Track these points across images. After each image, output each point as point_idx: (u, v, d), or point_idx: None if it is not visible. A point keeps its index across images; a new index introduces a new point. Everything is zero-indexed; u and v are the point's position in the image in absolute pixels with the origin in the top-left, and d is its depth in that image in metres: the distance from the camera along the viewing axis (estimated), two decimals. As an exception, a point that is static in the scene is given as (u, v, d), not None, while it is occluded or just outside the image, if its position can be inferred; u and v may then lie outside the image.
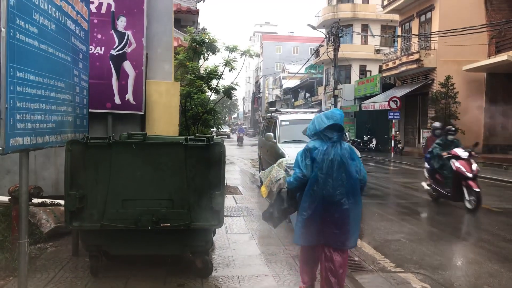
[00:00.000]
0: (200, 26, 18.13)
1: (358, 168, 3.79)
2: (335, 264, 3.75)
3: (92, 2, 6.04)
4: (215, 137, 4.42)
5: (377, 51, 34.31)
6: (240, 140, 38.33)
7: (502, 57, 19.89)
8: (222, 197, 4.14)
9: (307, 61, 38.77)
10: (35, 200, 5.33)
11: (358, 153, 4.84)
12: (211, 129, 12.74)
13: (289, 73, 56.02)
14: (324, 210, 3.67)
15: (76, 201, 3.94)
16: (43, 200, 5.67)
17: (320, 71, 43.40)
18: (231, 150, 27.99)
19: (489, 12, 23.06)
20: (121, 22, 6.28)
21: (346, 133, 11.29)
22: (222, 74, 10.62)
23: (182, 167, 4.08)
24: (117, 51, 6.30)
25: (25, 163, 3.47)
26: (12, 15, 3.03)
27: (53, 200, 5.82)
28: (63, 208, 4.72)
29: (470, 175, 8.44)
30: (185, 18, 14.80)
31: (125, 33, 6.31)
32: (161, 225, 4.03)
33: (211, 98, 11.64)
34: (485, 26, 21.23)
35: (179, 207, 4.08)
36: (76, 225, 4.04)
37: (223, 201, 4.15)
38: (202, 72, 10.62)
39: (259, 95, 77.19)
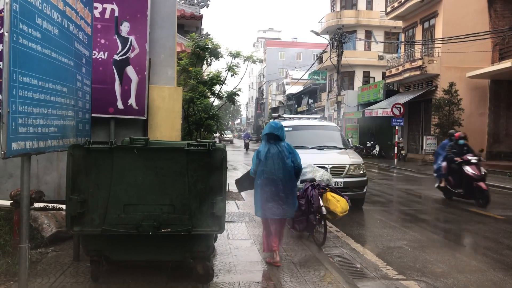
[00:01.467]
0: (204, 32, 18.19)
1: (294, 159, 5.45)
2: (277, 227, 5.42)
3: (96, 7, 6.07)
4: (217, 142, 4.42)
5: (381, 58, 34.34)
6: (246, 146, 35.93)
7: (505, 64, 19.85)
8: (224, 203, 4.12)
9: (310, 67, 38.87)
10: (36, 205, 5.33)
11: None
12: (214, 135, 12.74)
13: (292, 79, 56.15)
14: (270, 184, 5.29)
15: (77, 205, 3.93)
16: (45, 204, 5.67)
17: (324, 77, 43.45)
18: (234, 155, 27.99)
19: (493, 19, 23.05)
20: (125, 27, 6.31)
21: (349, 139, 11.25)
22: (225, 80, 10.64)
23: (184, 173, 4.07)
24: (120, 56, 6.32)
25: (27, 167, 3.47)
26: (16, 19, 3.05)
27: (55, 205, 5.82)
28: (64, 213, 4.72)
29: (479, 177, 10.13)
30: (188, 24, 14.86)
31: (128, 38, 6.33)
32: (162, 230, 4.02)
33: (214, 104, 11.66)
34: (488, 33, 21.22)
35: (180, 213, 4.06)
36: (77, 229, 4.03)
37: (224, 206, 4.13)
38: (205, 77, 10.64)
39: (262, 101, 77.31)
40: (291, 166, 5.38)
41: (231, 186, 11.31)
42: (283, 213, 5.35)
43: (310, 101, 48.35)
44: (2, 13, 3.14)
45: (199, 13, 15.07)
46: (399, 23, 30.00)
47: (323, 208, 6.06)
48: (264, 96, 75.92)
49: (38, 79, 3.44)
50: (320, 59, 39.87)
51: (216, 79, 10.44)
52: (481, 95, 23.13)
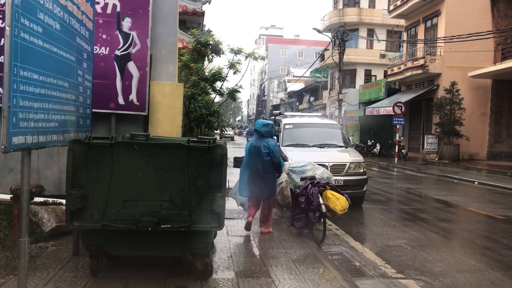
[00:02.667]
0: (206, 28, 18.16)
1: (271, 153, 6.24)
2: (264, 205, 6.58)
3: (98, 3, 6.06)
4: (218, 139, 4.42)
5: (383, 56, 34.29)
6: None
7: (508, 63, 19.82)
8: (223, 200, 4.12)
9: (312, 65, 38.84)
10: (37, 199, 5.34)
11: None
12: (215, 131, 12.74)
13: (294, 76, 56.13)
14: (252, 173, 6.34)
15: (77, 200, 3.94)
16: (45, 199, 5.67)
17: (325, 75, 43.41)
18: (235, 152, 27.96)
19: (496, 18, 22.99)
20: (126, 23, 6.30)
21: (350, 138, 11.24)
22: (226, 76, 10.63)
23: (184, 169, 4.07)
24: (121, 52, 6.32)
25: (27, 162, 3.47)
26: (17, 14, 3.04)
27: (55, 199, 5.82)
28: (64, 208, 4.72)
29: None
30: (190, 20, 14.84)
31: (130, 33, 6.33)
32: (162, 226, 4.02)
33: (215, 100, 11.65)
34: (491, 32, 21.17)
35: (180, 209, 4.07)
36: (76, 224, 4.04)
37: (224, 203, 4.14)
38: (206, 74, 10.63)
39: (263, 98, 77.25)
40: (268, 160, 6.24)
41: (231, 183, 11.35)
42: (260, 195, 6.43)
43: (312, 98, 48.32)
44: (4, 7, 3.13)
45: (201, 9, 15.06)
46: (402, 22, 29.94)
47: (323, 206, 6.06)
48: (265, 93, 75.87)
49: (39, 73, 3.44)
50: (322, 56, 39.80)
51: (218, 76, 10.44)
52: (483, 95, 23.10)
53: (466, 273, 5.37)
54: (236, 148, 33.74)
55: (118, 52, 6.31)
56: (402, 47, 29.86)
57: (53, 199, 5.81)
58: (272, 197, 6.66)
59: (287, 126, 10.32)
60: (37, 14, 3.36)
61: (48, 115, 3.69)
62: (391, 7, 28.79)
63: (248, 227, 6.50)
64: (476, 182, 14.97)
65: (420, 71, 23.57)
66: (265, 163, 6.26)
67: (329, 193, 6.22)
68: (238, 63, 10.55)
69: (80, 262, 4.67)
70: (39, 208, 5.41)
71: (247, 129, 57.60)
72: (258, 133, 6.37)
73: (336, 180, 8.36)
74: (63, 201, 5.04)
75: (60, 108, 3.99)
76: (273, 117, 13.05)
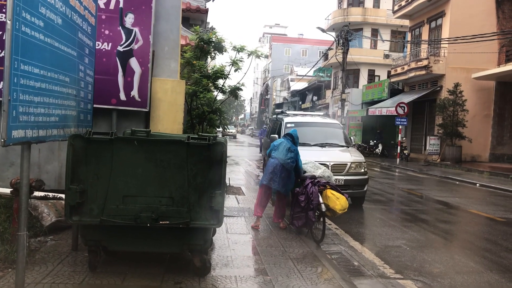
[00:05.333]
0: (209, 26, 18.16)
1: (297, 158, 6.89)
2: (277, 199, 7.04)
3: (101, -2, 6.06)
4: (219, 137, 4.41)
5: (386, 56, 34.18)
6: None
7: (512, 66, 19.76)
8: (222, 197, 4.12)
9: (315, 64, 38.73)
10: (37, 193, 5.35)
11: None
12: (217, 129, 12.73)
13: (297, 75, 56.03)
14: (271, 163, 6.82)
15: (76, 195, 3.94)
16: (45, 193, 5.69)
17: (329, 74, 43.33)
18: (236, 151, 27.99)
19: (500, 20, 22.90)
20: (129, 19, 6.30)
21: (352, 138, 11.22)
22: (228, 74, 10.61)
23: (184, 165, 4.08)
24: (124, 48, 6.32)
25: (27, 156, 3.48)
26: (18, 8, 3.05)
27: (55, 194, 5.84)
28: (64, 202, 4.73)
29: None
30: (194, 17, 14.84)
31: (132, 29, 6.33)
32: (160, 222, 4.02)
33: (218, 98, 11.64)
34: (495, 34, 21.10)
35: (179, 205, 4.07)
36: (75, 219, 4.05)
37: (223, 200, 4.14)
38: (209, 71, 10.62)
39: (266, 97, 77.20)
40: (290, 156, 6.77)
41: (232, 181, 11.38)
42: (270, 183, 6.77)
43: (315, 98, 48.25)
44: (5, 0, 3.14)
45: (205, 7, 15.04)
46: (406, 22, 29.87)
47: (323, 205, 6.06)
48: (268, 92, 75.81)
49: (40, 68, 3.45)
50: (325, 56, 39.75)
51: (220, 73, 10.42)
52: (486, 97, 23.03)
53: (464, 274, 5.36)
54: (239, 147, 33.75)
55: (120, 48, 6.31)
56: (406, 47, 29.77)
57: (53, 194, 5.83)
58: (282, 195, 6.99)
59: (288, 125, 10.30)
60: (38, 9, 3.37)
61: (48, 109, 3.70)
62: (396, 7, 28.72)
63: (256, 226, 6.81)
64: (477, 184, 14.93)
65: (423, 72, 23.51)
66: (286, 159, 6.72)
67: (329, 192, 6.22)
68: (241, 61, 10.53)
69: (78, 256, 4.68)
70: (39, 203, 5.43)
71: (262, 128, 57.52)
72: (292, 137, 6.99)
73: (336, 179, 8.36)
74: (63, 195, 5.05)
75: (61, 102, 4.00)
76: (275, 116, 13.04)
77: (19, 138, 3.20)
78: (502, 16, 22.93)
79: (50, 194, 5.79)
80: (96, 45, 5.50)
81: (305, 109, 45.67)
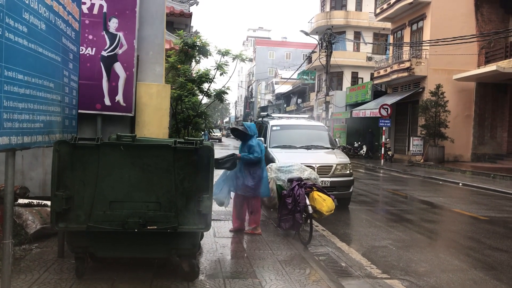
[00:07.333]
0: (193, 30, 18.13)
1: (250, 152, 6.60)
2: (253, 206, 6.76)
3: (84, 3, 6.01)
4: (205, 140, 4.42)
5: (369, 59, 34.58)
6: None
7: (491, 67, 20.17)
8: (210, 201, 4.13)
9: (299, 67, 38.93)
10: (21, 201, 5.28)
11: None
12: (202, 133, 12.71)
13: (281, 78, 56.21)
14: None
15: (62, 202, 3.91)
16: (30, 200, 5.62)
17: (313, 77, 43.59)
18: (222, 154, 27.90)
19: (479, 22, 23.37)
20: (113, 24, 6.26)
21: (337, 139, 11.32)
22: (213, 78, 10.62)
23: (171, 170, 4.07)
24: (108, 52, 6.27)
25: (11, 163, 3.43)
26: (2, 13, 3.01)
27: (40, 201, 5.77)
28: (49, 209, 4.68)
29: None
30: (178, 21, 14.81)
31: (116, 34, 6.29)
32: (148, 227, 4.01)
33: (203, 102, 11.62)
34: (475, 36, 21.52)
35: (167, 210, 4.06)
36: (62, 226, 4.01)
37: (211, 204, 4.14)
38: (193, 75, 10.61)
39: (251, 100, 77.29)
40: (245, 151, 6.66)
41: (219, 184, 11.34)
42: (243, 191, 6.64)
43: (299, 100, 48.48)
44: (-12, 6, 3.10)
45: (189, 11, 15.03)
46: (388, 25, 30.23)
47: (309, 207, 6.10)
48: (253, 95, 75.91)
49: (24, 74, 3.41)
50: (309, 59, 39.98)
51: (205, 77, 10.43)
52: (467, 98, 23.44)
53: (449, 272, 5.45)
54: (224, 150, 33.66)
55: (104, 53, 6.26)
56: (388, 50, 30.12)
57: (38, 201, 5.76)
58: (257, 197, 6.78)
59: (274, 128, 10.35)
60: (22, 14, 3.33)
61: (33, 115, 3.65)
62: (378, 10, 29.05)
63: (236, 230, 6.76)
64: (460, 184, 15.18)
65: (406, 74, 23.83)
66: (243, 155, 6.62)
67: (316, 194, 6.26)
68: (226, 65, 10.56)
69: (65, 264, 4.63)
70: (23, 210, 5.35)
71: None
72: (246, 130, 6.77)
73: (322, 181, 8.41)
74: (48, 202, 5.00)
75: (45, 108, 3.95)
76: (261, 119, 13.08)
77: (4, 145, 3.16)
78: (481, 18, 23.41)
79: (35, 201, 5.72)
80: (80, 50, 5.45)
81: (290, 112, 45.85)
